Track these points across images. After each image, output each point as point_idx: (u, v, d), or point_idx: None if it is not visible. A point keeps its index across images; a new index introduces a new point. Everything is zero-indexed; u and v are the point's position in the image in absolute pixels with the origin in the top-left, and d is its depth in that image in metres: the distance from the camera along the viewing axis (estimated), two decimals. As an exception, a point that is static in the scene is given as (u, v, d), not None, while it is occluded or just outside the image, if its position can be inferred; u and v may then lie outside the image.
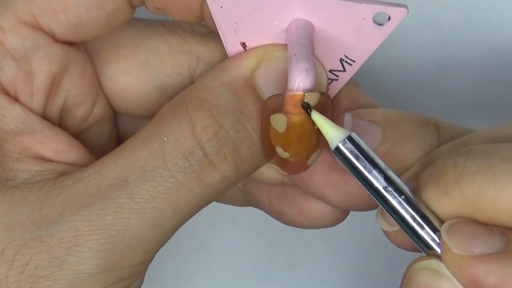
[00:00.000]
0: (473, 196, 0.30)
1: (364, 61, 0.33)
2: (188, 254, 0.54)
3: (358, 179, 0.31)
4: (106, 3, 0.33)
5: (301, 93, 0.31)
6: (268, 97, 0.32)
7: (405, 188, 0.31)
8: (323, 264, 0.54)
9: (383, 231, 0.34)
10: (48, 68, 0.34)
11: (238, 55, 0.34)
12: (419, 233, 0.31)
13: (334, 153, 0.31)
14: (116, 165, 0.33)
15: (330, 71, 0.34)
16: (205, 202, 0.34)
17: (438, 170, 0.31)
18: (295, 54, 0.31)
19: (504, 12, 0.46)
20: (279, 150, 0.33)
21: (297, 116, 0.31)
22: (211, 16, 0.32)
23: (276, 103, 0.32)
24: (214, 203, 0.35)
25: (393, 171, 0.31)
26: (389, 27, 0.32)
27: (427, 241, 0.31)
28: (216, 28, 0.33)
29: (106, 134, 0.38)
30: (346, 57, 0.33)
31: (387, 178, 0.31)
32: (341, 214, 0.37)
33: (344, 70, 0.34)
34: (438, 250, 0.31)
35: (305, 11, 0.32)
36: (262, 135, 0.33)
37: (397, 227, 0.32)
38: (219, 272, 0.54)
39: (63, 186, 0.33)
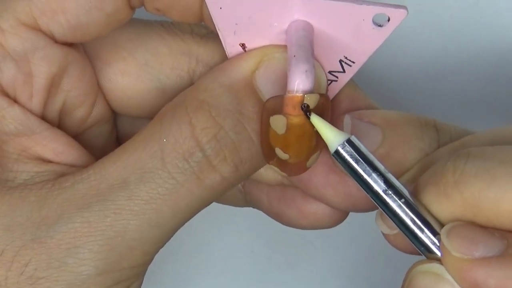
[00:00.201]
0: (473, 199, 0.30)
1: (364, 62, 0.33)
2: (188, 254, 0.54)
3: (358, 182, 0.31)
4: (106, 4, 0.33)
5: (301, 94, 0.31)
6: (268, 99, 0.32)
7: (405, 191, 0.31)
8: (323, 264, 0.54)
9: (383, 234, 0.34)
10: (47, 69, 0.34)
11: (237, 56, 0.34)
12: (419, 237, 0.31)
13: (334, 156, 0.31)
14: (115, 166, 0.33)
15: (330, 72, 0.34)
16: (205, 203, 0.34)
17: (438, 172, 0.31)
18: (294, 56, 0.31)
19: (504, 12, 0.46)
20: (279, 151, 0.33)
21: (297, 117, 0.31)
22: (211, 17, 0.32)
23: (275, 104, 0.32)
24: (213, 204, 0.35)
25: (392, 174, 0.31)
26: (388, 28, 0.32)
27: (427, 244, 0.31)
28: (216, 29, 0.33)
29: (106, 135, 0.38)
30: (346, 58, 0.33)
31: (386, 181, 0.31)
32: (341, 215, 0.37)
33: (344, 71, 0.34)
34: (439, 253, 0.31)
35: (304, 12, 0.32)
36: (261, 137, 0.33)
37: (396, 230, 0.32)
38: (219, 272, 0.54)
39: (62, 187, 0.33)
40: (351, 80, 0.35)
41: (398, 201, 0.31)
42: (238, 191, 0.40)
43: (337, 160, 0.31)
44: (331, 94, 0.35)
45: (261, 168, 0.35)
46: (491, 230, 0.30)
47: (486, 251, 0.29)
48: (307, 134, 0.32)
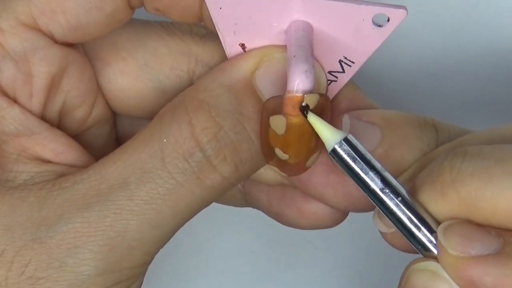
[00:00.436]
0: (469, 198, 0.30)
1: (363, 63, 0.33)
2: (188, 254, 0.54)
3: (355, 181, 0.31)
4: (105, 4, 0.33)
5: (300, 94, 0.31)
6: (268, 99, 0.32)
7: (402, 190, 0.31)
8: (323, 264, 0.54)
9: (380, 232, 0.34)
10: (47, 70, 0.34)
11: (237, 57, 0.34)
12: (416, 235, 0.31)
13: (331, 155, 0.31)
14: (115, 166, 0.33)
15: (329, 72, 0.34)
16: (205, 203, 0.34)
17: (435, 171, 0.31)
18: (294, 56, 0.31)
19: (504, 12, 0.46)
20: (278, 151, 0.33)
21: (296, 117, 0.31)
22: (210, 17, 0.32)
23: (275, 104, 0.32)
24: (213, 204, 0.35)
25: (390, 172, 0.31)
26: (388, 29, 0.32)
27: (424, 242, 0.31)
28: (215, 29, 0.33)
29: (106, 135, 0.38)
30: (345, 58, 0.33)
31: (383, 180, 0.31)
32: (340, 215, 0.37)
33: (343, 71, 0.34)
34: (435, 251, 0.31)
35: (304, 12, 0.32)
36: (261, 137, 0.33)
37: (394, 228, 0.32)
38: (219, 272, 0.54)
39: (62, 188, 0.33)
40: (351, 80, 0.35)
41: (395, 199, 0.31)
42: (238, 191, 0.40)
43: (334, 158, 0.31)
44: (331, 94, 0.35)
45: (261, 168, 0.35)
46: (488, 229, 0.30)
47: (482, 249, 0.29)
48: (307, 134, 0.32)
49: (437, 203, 0.31)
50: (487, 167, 0.29)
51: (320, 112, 0.32)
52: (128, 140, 0.33)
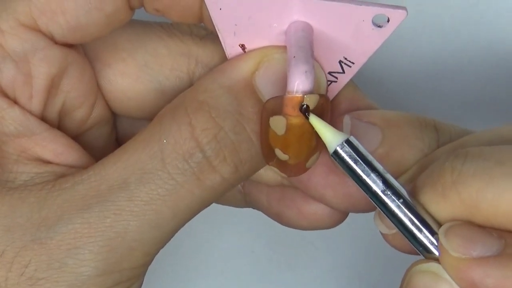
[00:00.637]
0: (470, 200, 0.30)
1: (363, 63, 0.33)
2: (188, 255, 0.54)
3: (357, 183, 0.31)
4: (105, 5, 0.33)
5: (300, 95, 0.31)
6: (267, 99, 0.32)
7: (403, 192, 0.31)
8: (323, 264, 0.54)
9: (381, 233, 0.34)
10: (47, 70, 0.34)
11: (237, 57, 0.34)
12: (418, 236, 0.31)
13: (333, 157, 0.31)
14: (115, 167, 0.33)
15: (329, 73, 0.34)
16: (205, 204, 0.34)
17: (436, 173, 0.31)
18: (294, 56, 0.31)
19: (504, 12, 0.46)
20: (278, 152, 0.33)
21: (296, 118, 0.31)
22: (210, 18, 0.32)
23: (275, 105, 0.32)
24: (213, 204, 0.35)
25: (391, 174, 0.31)
26: (388, 29, 0.32)
27: (425, 244, 0.31)
28: (215, 30, 0.33)
29: (105, 136, 0.38)
30: (345, 59, 0.33)
31: (385, 182, 0.31)
32: (340, 216, 0.37)
33: (343, 72, 0.34)
34: (437, 253, 0.31)
35: (304, 13, 0.32)
36: (261, 137, 0.33)
37: (395, 230, 0.32)
38: (219, 272, 0.54)
39: (62, 188, 0.33)
40: (351, 80, 0.35)
41: (397, 201, 0.31)
42: (238, 192, 0.40)
43: (336, 160, 0.31)
44: (331, 94, 0.35)
45: (261, 169, 0.35)
46: (489, 230, 0.30)
47: (484, 250, 0.29)
48: (307, 135, 0.32)
49: (439, 204, 0.31)
50: (488, 168, 0.29)
51: (320, 112, 0.32)
52: (128, 141, 0.33)
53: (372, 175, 0.31)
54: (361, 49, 0.33)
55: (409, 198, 0.31)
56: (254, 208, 0.40)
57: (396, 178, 0.31)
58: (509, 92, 0.48)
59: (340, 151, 0.31)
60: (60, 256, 0.32)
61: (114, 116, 0.38)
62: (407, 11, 0.31)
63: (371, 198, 0.31)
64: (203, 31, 0.37)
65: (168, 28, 0.37)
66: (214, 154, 0.32)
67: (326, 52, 0.33)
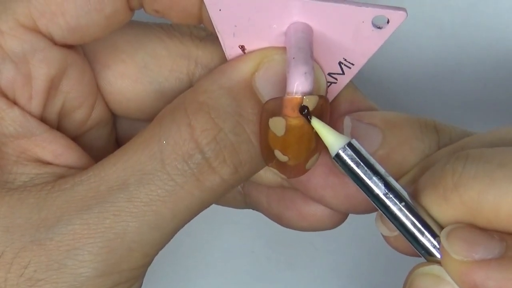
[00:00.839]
0: (472, 202, 0.30)
1: (363, 64, 0.33)
2: (187, 254, 0.54)
3: (359, 186, 0.31)
4: (105, 6, 0.33)
5: (300, 96, 0.31)
6: (267, 100, 0.32)
7: (405, 194, 0.31)
8: (322, 264, 0.54)
9: (383, 236, 0.34)
10: (46, 71, 0.34)
11: (237, 58, 0.34)
12: (419, 239, 0.31)
13: (335, 159, 0.31)
14: (115, 168, 0.33)
15: (329, 74, 0.34)
16: (205, 205, 0.34)
17: (437, 175, 0.31)
18: (293, 58, 0.31)
19: (504, 12, 0.46)
20: (278, 153, 0.33)
21: (296, 119, 0.31)
22: (210, 19, 0.32)
23: (274, 106, 0.32)
24: (213, 204, 0.35)
25: (393, 177, 0.31)
26: (388, 30, 0.32)
27: (427, 247, 0.31)
28: (215, 31, 0.33)
29: (105, 137, 0.38)
30: (345, 60, 0.33)
31: (387, 185, 0.31)
32: (340, 217, 0.37)
33: (343, 73, 0.34)
34: (438, 255, 0.31)
35: (304, 14, 0.32)
36: (260, 139, 0.33)
37: (396, 232, 0.32)
38: (219, 272, 0.54)
39: (62, 189, 0.33)
40: (351, 82, 0.35)
41: (399, 204, 0.31)
42: (237, 193, 0.40)
43: (338, 163, 0.31)
44: (331, 96, 0.35)
45: (261, 170, 0.35)
46: (491, 233, 0.30)
47: (485, 253, 0.29)
48: (306, 136, 0.32)
49: (440, 207, 0.31)
50: (489, 170, 0.29)
51: (320, 114, 0.31)
52: (128, 142, 0.33)
53: (374, 178, 0.31)
54: (361, 50, 0.33)
55: (411, 201, 0.31)
56: (254, 209, 0.40)
57: (397, 180, 0.31)
58: (509, 92, 0.47)
59: (342, 154, 0.31)
60: (60, 257, 0.32)
61: (113, 117, 0.38)
62: (407, 12, 0.31)
63: (373, 201, 0.31)
64: (202, 32, 0.37)
65: (168, 29, 0.37)
66: (214, 155, 0.32)
67: (325, 53, 0.33)
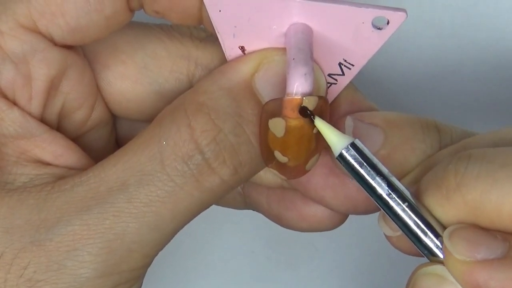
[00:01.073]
0: (475, 202, 0.30)
1: (363, 65, 0.33)
2: (187, 255, 0.54)
3: (362, 186, 0.31)
4: (105, 6, 0.33)
5: (300, 97, 0.31)
6: (267, 101, 0.32)
7: (408, 194, 0.31)
8: (322, 264, 0.54)
9: (386, 236, 0.34)
10: (46, 72, 0.34)
11: (237, 59, 0.34)
12: (422, 239, 0.31)
13: (338, 160, 0.31)
14: (115, 169, 0.33)
15: (329, 75, 0.34)
16: (204, 206, 0.34)
17: (439, 175, 0.31)
18: (293, 58, 0.31)
19: (504, 12, 0.46)
20: (278, 154, 0.33)
21: (296, 120, 0.31)
22: (210, 20, 0.32)
23: (274, 107, 0.32)
24: (213, 205, 0.35)
25: (396, 177, 0.31)
26: (388, 31, 0.32)
27: (430, 247, 0.31)
28: (215, 32, 0.33)
29: (105, 138, 0.38)
30: (345, 61, 0.33)
31: (390, 185, 0.31)
32: (340, 218, 0.37)
33: (343, 74, 0.34)
34: (441, 255, 0.31)
35: (304, 15, 0.32)
36: (260, 140, 0.33)
37: (399, 232, 0.32)
38: (219, 272, 0.54)
39: (61, 190, 0.33)
40: (351, 82, 0.35)
41: (402, 204, 0.31)
42: (237, 194, 0.40)
43: (341, 163, 0.31)
44: (331, 97, 0.35)
45: (261, 171, 0.35)
46: (493, 233, 0.30)
47: (488, 253, 0.29)
48: (306, 137, 0.32)
49: (443, 207, 0.31)
50: (491, 170, 0.30)
51: (319, 114, 0.31)
52: (128, 143, 0.33)
53: (377, 178, 0.31)
54: (361, 51, 0.33)
55: (414, 201, 0.31)
56: (254, 210, 0.40)
57: (399, 180, 0.31)
58: (509, 92, 0.47)
59: (346, 154, 0.31)
60: (59, 258, 0.32)
61: (113, 118, 0.38)
62: (406, 13, 0.31)
63: (376, 201, 0.31)
64: (202, 33, 0.37)
65: (168, 30, 0.37)
66: (214, 156, 0.32)
67: (325, 54, 0.33)
